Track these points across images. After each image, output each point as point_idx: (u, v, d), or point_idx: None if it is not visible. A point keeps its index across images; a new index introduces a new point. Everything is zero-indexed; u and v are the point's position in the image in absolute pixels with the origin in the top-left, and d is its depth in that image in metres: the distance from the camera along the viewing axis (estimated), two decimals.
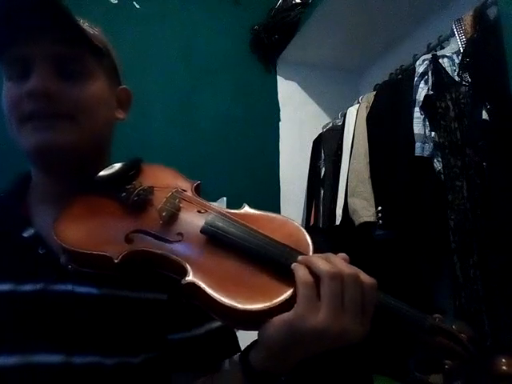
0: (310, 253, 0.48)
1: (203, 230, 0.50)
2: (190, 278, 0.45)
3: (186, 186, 0.61)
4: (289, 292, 0.44)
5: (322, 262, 0.44)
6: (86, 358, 0.50)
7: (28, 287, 0.52)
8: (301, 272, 0.44)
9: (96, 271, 0.51)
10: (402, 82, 1.57)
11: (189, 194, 0.59)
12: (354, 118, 1.76)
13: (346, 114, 1.86)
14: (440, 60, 1.38)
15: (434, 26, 1.78)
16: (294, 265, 0.45)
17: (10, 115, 0.56)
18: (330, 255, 0.46)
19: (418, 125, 1.39)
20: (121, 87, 0.67)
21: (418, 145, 1.37)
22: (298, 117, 2.33)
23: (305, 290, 0.43)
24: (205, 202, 0.57)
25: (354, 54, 2.24)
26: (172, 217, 0.53)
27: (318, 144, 2.13)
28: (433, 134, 1.37)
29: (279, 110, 2.31)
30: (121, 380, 0.52)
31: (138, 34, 2.11)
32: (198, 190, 0.61)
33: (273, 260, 0.46)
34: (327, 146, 2.01)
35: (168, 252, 0.49)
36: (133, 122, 2.12)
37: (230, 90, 2.24)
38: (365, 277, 0.44)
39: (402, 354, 1.43)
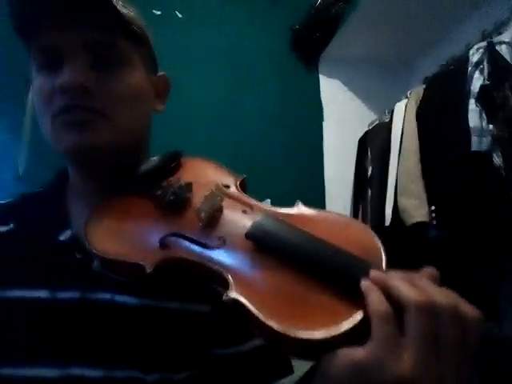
0: (383, 266, 0.38)
1: (249, 235, 0.43)
2: (233, 293, 0.38)
3: (229, 181, 0.53)
4: (358, 317, 0.34)
5: (405, 286, 0.34)
6: (125, 373, 0.46)
7: (66, 295, 0.49)
8: (375, 297, 0.34)
9: (129, 279, 0.47)
10: (455, 73, 1.48)
11: (233, 190, 0.52)
12: (403, 114, 1.68)
13: (393, 110, 1.78)
14: (497, 47, 1.29)
15: (487, 11, 1.67)
16: (363, 283, 0.35)
17: (42, 111, 0.51)
18: (414, 275, 0.36)
19: (474, 118, 1.30)
20: (159, 74, 0.62)
21: (474, 139, 1.28)
22: (342, 115, 2.27)
23: (383, 323, 0.33)
24: (252, 200, 0.50)
25: (401, 46, 2.14)
26: (213, 218, 0.47)
27: (363, 143, 2.07)
28: (491, 126, 1.27)
29: (322, 109, 2.27)
30: None
31: (181, 41, 2.17)
32: (243, 186, 0.54)
33: (336, 273, 0.37)
34: (374, 145, 1.94)
35: (207, 260, 0.42)
36: (177, 122, 2.19)
37: (272, 90, 2.23)
38: (466, 308, 0.34)
39: None
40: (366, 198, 1.92)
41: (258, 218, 0.45)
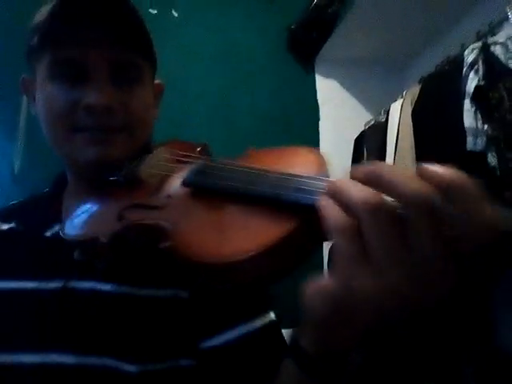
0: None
1: (184, 183, 0.44)
2: (169, 242, 0.37)
3: (188, 151, 0.54)
4: (288, 226, 0.32)
5: (355, 188, 0.27)
6: (101, 360, 0.47)
7: (51, 285, 0.52)
8: (328, 208, 0.28)
9: (96, 258, 0.48)
10: (450, 73, 1.49)
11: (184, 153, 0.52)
12: (398, 114, 1.69)
13: (389, 110, 1.79)
14: (492, 48, 1.29)
15: (482, 12, 1.68)
16: (310, 198, 0.30)
17: (56, 121, 0.53)
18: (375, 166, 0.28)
19: (469, 118, 1.31)
20: (155, 82, 0.64)
21: (469, 139, 1.29)
22: (339, 115, 2.28)
23: (341, 241, 0.27)
24: (206, 157, 0.50)
25: (397, 47, 2.15)
26: (161, 182, 0.48)
27: (360, 142, 2.07)
28: (486, 126, 1.28)
29: (318, 109, 2.27)
30: None
31: (177, 41, 2.16)
32: (205, 152, 0.55)
33: (272, 197, 0.34)
34: (370, 144, 1.95)
35: (156, 219, 0.42)
36: (173, 120, 2.18)
37: (268, 90, 2.23)
38: (455, 184, 0.24)
39: (457, 361, 1.35)
40: None
41: (192, 166, 0.45)
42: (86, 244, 0.48)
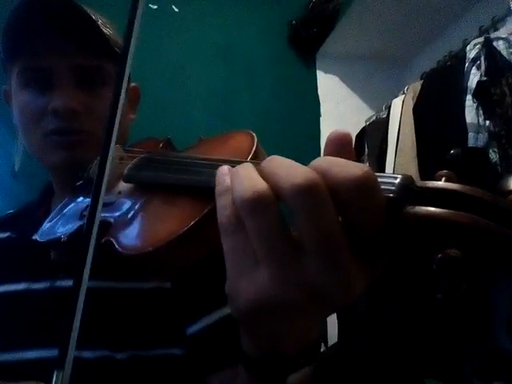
0: (249, 159, 0.34)
1: (124, 178, 0.44)
2: (107, 237, 0.38)
3: (152, 145, 0.54)
4: (203, 210, 0.31)
5: (245, 179, 0.25)
6: (95, 353, 0.49)
7: (39, 285, 0.54)
8: (221, 200, 0.26)
9: (63, 256, 0.49)
10: (452, 68, 1.48)
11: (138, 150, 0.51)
12: (400, 110, 1.68)
13: (390, 106, 1.78)
14: (494, 43, 1.29)
15: (485, 7, 1.67)
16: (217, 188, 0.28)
17: (28, 127, 0.56)
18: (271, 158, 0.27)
19: (471, 113, 1.30)
20: (131, 86, 0.65)
21: (471, 135, 1.28)
22: (340, 111, 2.27)
23: (224, 233, 0.26)
24: (165, 151, 0.50)
25: (398, 42, 2.14)
26: (118, 179, 0.48)
27: (360, 139, 2.06)
28: (487, 122, 1.28)
29: (319, 105, 2.26)
30: (135, 374, 0.50)
31: (178, 36, 2.15)
32: (168, 146, 0.55)
33: (193, 184, 0.34)
34: (371, 141, 1.94)
35: (105, 215, 0.42)
36: (174, 118, 2.17)
37: (270, 86, 2.22)
38: (337, 172, 0.23)
39: (456, 358, 1.35)
40: None
41: (134, 160, 0.46)
42: (53, 245, 0.49)
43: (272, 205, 0.24)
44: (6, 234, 0.63)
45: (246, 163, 0.28)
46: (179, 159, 0.40)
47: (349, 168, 0.23)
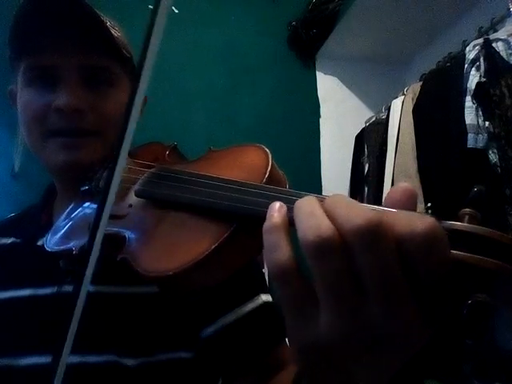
0: (264, 180, 0.34)
1: (136, 193, 0.43)
2: (123, 254, 0.37)
3: (158, 151, 0.54)
4: (224, 234, 0.32)
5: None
6: (103, 357, 0.49)
7: (45, 291, 0.54)
8: (270, 237, 0.26)
9: (72, 267, 0.49)
10: (451, 69, 1.48)
11: (147, 162, 0.51)
12: (400, 111, 1.68)
13: (390, 106, 1.78)
14: (493, 44, 1.29)
15: (484, 9, 1.67)
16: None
17: (31, 125, 0.54)
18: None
19: (471, 115, 1.31)
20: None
21: (470, 136, 1.29)
22: (339, 112, 2.27)
23: (282, 278, 0.25)
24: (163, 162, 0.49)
25: (398, 43, 2.14)
26: (127, 190, 0.47)
27: (360, 139, 2.07)
28: (487, 123, 1.28)
29: (319, 106, 2.26)
30: (143, 379, 0.50)
31: (178, 38, 2.15)
32: (174, 154, 0.54)
33: (210, 208, 0.34)
34: (371, 141, 1.94)
35: (118, 228, 0.42)
36: (175, 119, 2.17)
37: (269, 88, 2.22)
38: (400, 223, 0.23)
39: (456, 358, 1.35)
40: (363, 195, 1.92)
41: (146, 174, 0.45)
42: (64, 256, 0.49)
43: (339, 248, 0.23)
44: (11, 240, 0.62)
45: (309, 197, 0.26)
46: (195, 179, 0.39)
47: (416, 223, 0.22)
